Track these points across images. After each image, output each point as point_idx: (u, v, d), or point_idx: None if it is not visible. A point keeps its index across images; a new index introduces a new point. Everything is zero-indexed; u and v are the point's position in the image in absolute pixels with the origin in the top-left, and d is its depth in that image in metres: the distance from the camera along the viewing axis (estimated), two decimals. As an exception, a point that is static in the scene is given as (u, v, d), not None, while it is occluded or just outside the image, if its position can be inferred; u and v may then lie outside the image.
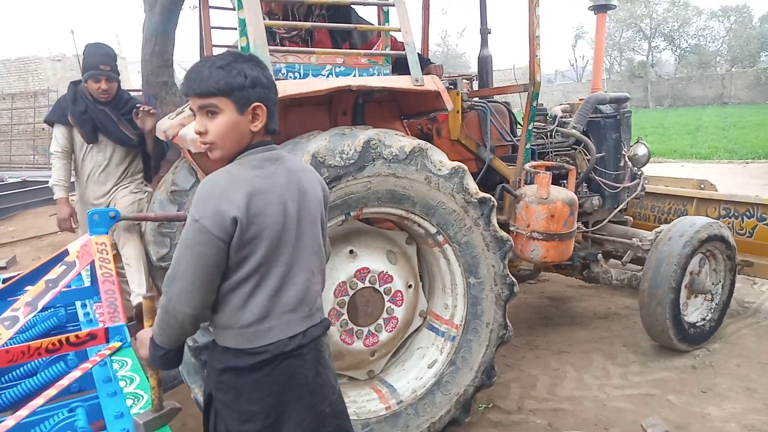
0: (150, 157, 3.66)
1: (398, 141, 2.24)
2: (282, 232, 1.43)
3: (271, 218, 1.41)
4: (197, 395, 2.10)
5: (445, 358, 2.58)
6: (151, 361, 1.53)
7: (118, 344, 2.27)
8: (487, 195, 2.44)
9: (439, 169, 2.30)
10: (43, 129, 15.91)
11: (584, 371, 3.33)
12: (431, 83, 2.40)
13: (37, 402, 1.84)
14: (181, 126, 3.03)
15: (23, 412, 1.77)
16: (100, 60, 3.33)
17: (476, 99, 3.40)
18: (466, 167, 2.38)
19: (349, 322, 2.36)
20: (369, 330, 2.44)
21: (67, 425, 1.73)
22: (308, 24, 2.74)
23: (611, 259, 4.05)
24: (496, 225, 2.49)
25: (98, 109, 3.38)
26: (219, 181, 1.40)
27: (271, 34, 2.84)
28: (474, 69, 4.52)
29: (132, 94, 3.87)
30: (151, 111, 3.24)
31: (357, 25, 2.70)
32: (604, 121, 3.74)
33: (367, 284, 2.37)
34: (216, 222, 1.35)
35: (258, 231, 1.39)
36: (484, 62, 3.93)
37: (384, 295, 2.43)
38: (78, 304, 3.00)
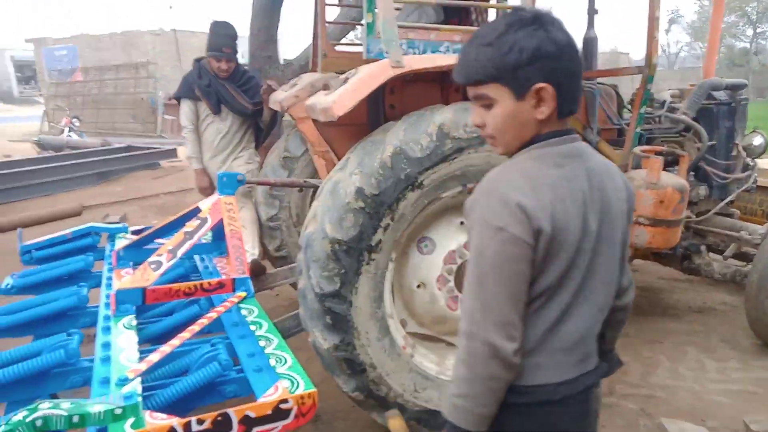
0: (261, 130, 3.95)
1: None
2: (577, 252, 1.12)
3: (571, 235, 1.10)
4: (316, 339, 2.27)
5: None
6: None
7: (243, 294, 2.50)
8: None
9: None
10: (142, 99, 17.10)
11: (678, 362, 3.27)
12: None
13: (185, 335, 2.08)
14: (296, 98, 3.23)
15: (176, 341, 2.02)
16: (224, 42, 3.62)
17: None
18: None
19: (455, 289, 2.46)
20: (471, 300, 2.54)
21: (212, 356, 1.96)
22: (433, 0, 2.82)
23: (710, 253, 3.90)
24: None
25: (219, 83, 3.68)
26: (515, 181, 1.10)
27: None
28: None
29: None
30: (274, 86, 3.48)
31: (479, 3, 2.74)
32: (718, 108, 3.57)
33: (474, 256, 2.46)
34: (526, 228, 1.06)
35: (557, 249, 1.10)
36: (590, 44, 3.83)
37: (489, 268, 2.51)
38: (197, 258, 3.31)
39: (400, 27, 2.41)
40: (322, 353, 2.27)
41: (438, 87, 2.74)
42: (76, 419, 1.36)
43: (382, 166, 2.11)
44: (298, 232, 3.69)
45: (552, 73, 1.09)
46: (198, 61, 3.83)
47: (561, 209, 1.09)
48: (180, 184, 9.15)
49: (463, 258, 2.44)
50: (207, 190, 3.88)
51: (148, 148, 11.11)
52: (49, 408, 1.35)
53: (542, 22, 1.09)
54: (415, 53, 2.49)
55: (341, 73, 3.48)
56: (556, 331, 1.15)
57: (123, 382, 1.70)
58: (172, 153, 11.04)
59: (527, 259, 1.08)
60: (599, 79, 3.49)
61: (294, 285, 3.72)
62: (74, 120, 13.40)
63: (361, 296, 2.20)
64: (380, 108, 2.55)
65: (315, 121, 2.57)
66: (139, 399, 1.53)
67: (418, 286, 2.44)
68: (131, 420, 1.43)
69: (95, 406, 1.41)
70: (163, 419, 1.47)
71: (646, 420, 2.73)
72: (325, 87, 2.37)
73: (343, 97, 2.16)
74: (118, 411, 1.42)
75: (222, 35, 3.61)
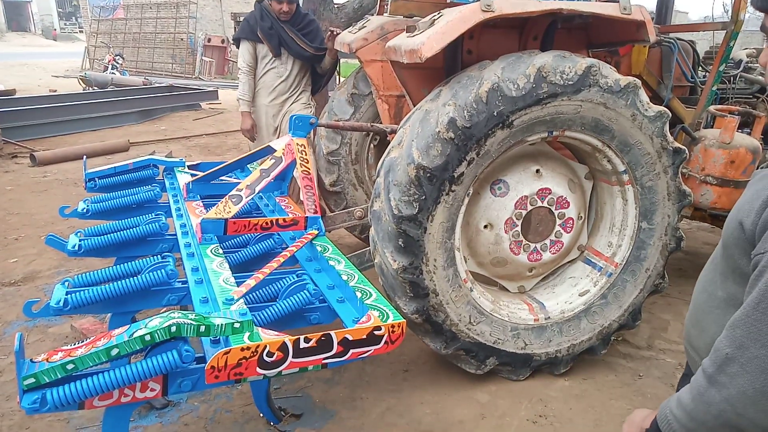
0: (319, 77, 3.96)
1: (613, 74, 2.28)
2: None
3: None
4: (385, 260, 2.34)
5: (598, 291, 2.68)
6: None
7: (315, 232, 2.61)
8: (683, 146, 2.44)
9: (646, 110, 2.32)
10: (182, 39, 17.04)
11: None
12: (638, 13, 2.38)
13: (273, 265, 2.21)
14: (365, 40, 3.24)
15: (266, 270, 2.15)
16: None
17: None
18: (669, 113, 2.38)
19: (520, 234, 2.52)
20: (535, 247, 2.60)
21: (300, 286, 2.08)
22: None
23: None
24: (681, 178, 2.50)
25: (280, 25, 3.69)
26: None
27: None
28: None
29: None
30: (336, 32, 3.48)
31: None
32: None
33: (545, 204, 2.51)
34: None
35: None
36: (666, -3, 3.71)
37: (557, 219, 2.56)
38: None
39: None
40: (388, 274, 2.35)
41: (516, 35, 2.71)
42: (203, 329, 1.49)
43: (477, 101, 2.14)
44: (355, 170, 3.76)
45: None
46: (260, 2, 3.82)
47: None
48: (220, 126, 9.28)
49: (533, 205, 2.50)
50: (249, 132, 3.94)
51: (191, 89, 11.20)
52: (180, 317, 1.48)
53: None
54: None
55: (409, 17, 3.46)
56: None
57: (230, 301, 1.83)
58: (213, 95, 11.12)
59: None
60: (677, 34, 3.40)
61: (348, 228, 3.84)
62: (117, 58, 13.50)
63: (435, 224, 2.26)
64: (458, 53, 2.55)
65: (392, 63, 2.58)
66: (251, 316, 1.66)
67: (485, 227, 2.50)
68: (248, 333, 1.57)
69: (217, 320, 1.54)
70: (276, 335, 1.60)
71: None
72: (409, 29, 2.37)
73: (432, 39, 2.16)
74: (237, 325, 1.55)
75: None
